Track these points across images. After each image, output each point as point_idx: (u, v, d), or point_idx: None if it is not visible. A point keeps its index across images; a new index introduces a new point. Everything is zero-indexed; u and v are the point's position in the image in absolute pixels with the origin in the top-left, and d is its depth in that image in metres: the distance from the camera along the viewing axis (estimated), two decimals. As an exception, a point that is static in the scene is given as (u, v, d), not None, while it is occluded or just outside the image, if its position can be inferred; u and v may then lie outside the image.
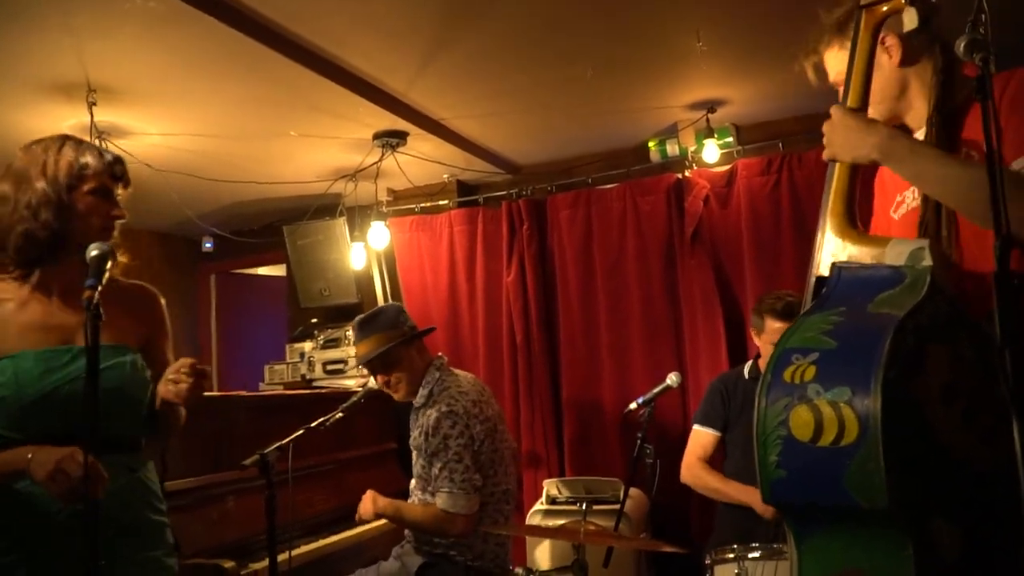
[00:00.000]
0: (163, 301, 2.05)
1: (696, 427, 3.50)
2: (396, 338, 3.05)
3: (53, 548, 1.68)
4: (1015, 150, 1.42)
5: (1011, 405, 1.05)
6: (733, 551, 2.73)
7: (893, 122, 1.67)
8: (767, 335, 3.23)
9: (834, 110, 1.58)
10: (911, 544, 1.19)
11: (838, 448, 1.18)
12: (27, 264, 1.79)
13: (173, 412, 1.95)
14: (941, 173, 1.45)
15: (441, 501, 2.87)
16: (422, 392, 3.06)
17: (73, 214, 1.79)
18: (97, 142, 3.74)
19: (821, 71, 1.83)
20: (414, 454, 3.08)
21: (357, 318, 3.20)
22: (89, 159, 1.82)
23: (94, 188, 1.81)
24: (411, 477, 3.23)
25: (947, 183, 1.44)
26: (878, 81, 1.64)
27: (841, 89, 1.64)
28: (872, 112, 1.62)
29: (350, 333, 4.81)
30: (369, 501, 3.03)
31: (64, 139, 1.86)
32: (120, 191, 1.89)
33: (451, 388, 3.03)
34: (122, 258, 1.92)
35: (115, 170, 1.87)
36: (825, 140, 1.59)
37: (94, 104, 3.44)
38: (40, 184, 1.77)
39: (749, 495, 3.13)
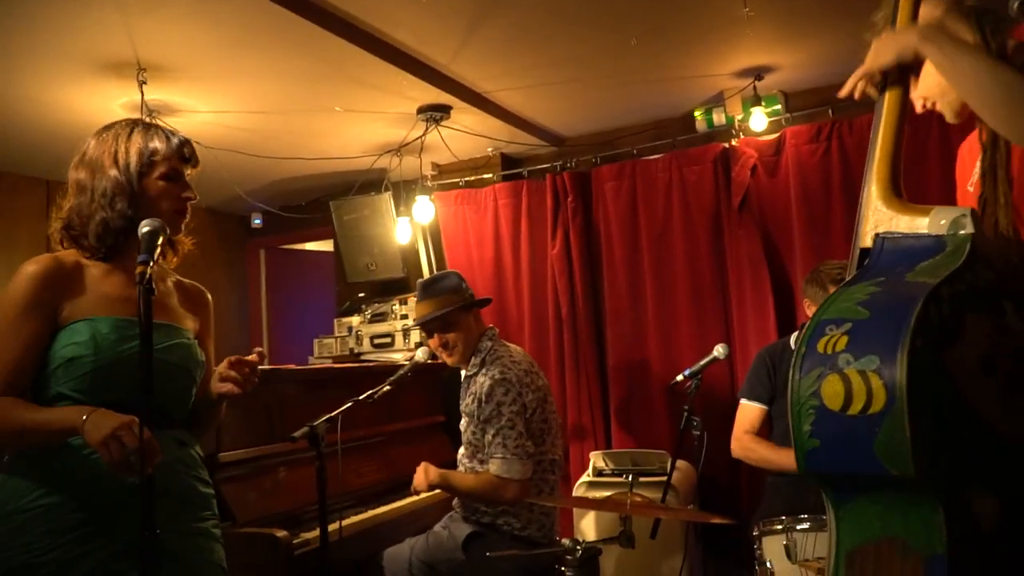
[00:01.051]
0: (211, 302, 2.12)
1: (743, 401, 3.48)
2: (457, 302, 3.16)
3: (112, 517, 1.72)
4: None
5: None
6: (781, 522, 2.71)
7: (963, 111, 1.64)
8: None
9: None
10: (943, 512, 1.19)
11: (867, 416, 1.18)
12: (107, 250, 1.85)
13: (216, 408, 2.01)
14: (973, 65, 1.41)
15: (495, 467, 2.93)
16: (474, 360, 3.15)
17: (146, 200, 1.84)
18: (148, 120, 3.81)
19: None
20: (464, 420, 3.13)
21: (421, 280, 3.32)
22: (158, 143, 1.87)
23: (164, 172, 1.87)
24: (458, 450, 3.27)
25: (977, 76, 1.41)
26: (933, 76, 1.60)
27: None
28: (941, 106, 1.62)
29: (396, 307, 4.87)
30: (422, 473, 3.10)
31: (133, 124, 1.91)
32: (189, 171, 1.94)
33: (504, 357, 3.10)
34: (187, 242, 2.02)
35: (184, 152, 1.92)
36: (871, 54, 1.57)
37: (144, 82, 3.51)
38: (113, 172, 1.83)
39: None
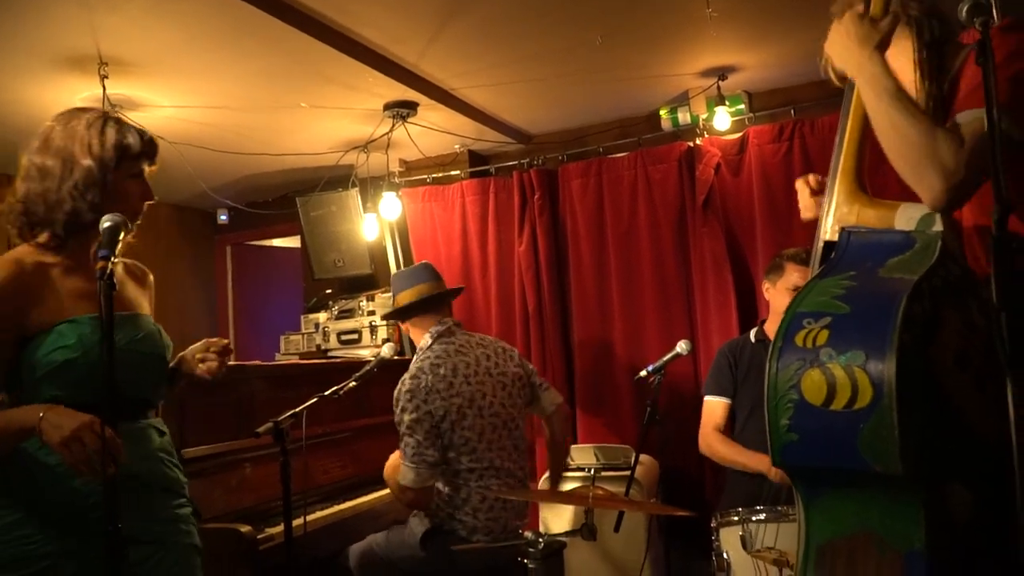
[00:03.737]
0: (153, 280, 2.13)
1: (708, 398, 3.52)
2: (412, 296, 3.17)
3: (86, 525, 1.72)
4: (967, 101, 1.42)
5: (1006, 367, 1.07)
6: (738, 514, 2.77)
7: None
8: (785, 281, 3.24)
9: (849, 13, 1.56)
10: (923, 507, 1.20)
11: (851, 412, 1.18)
12: (69, 238, 1.84)
13: (183, 385, 2.05)
14: (881, 109, 1.44)
15: (399, 473, 2.93)
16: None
17: (115, 194, 1.83)
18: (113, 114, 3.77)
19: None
20: None
21: (397, 272, 3.36)
22: (131, 140, 1.87)
23: (134, 170, 1.88)
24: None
25: (880, 120, 1.44)
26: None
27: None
28: None
29: (364, 303, 4.86)
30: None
31: (105, 117, 1.89)
32: (148, 170, 1.94)
33: (425, 362, 3.01)
34: (131, 238, 1.99)
35: (152, 150, 1.92)
36: (829, 35, 1.59)
37: (106, 77, 3.46)
38: (87, 162, 1.80)
39: (763, 463, 3.16)
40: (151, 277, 2.11)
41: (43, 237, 1.84)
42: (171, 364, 2.00)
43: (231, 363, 2.01)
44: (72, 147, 1.82)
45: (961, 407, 1.25)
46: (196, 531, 1.97)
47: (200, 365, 1.92)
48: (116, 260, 1.98)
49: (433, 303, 3.17)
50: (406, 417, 2.91)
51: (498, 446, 3.02)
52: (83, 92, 3.65)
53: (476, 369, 3.06)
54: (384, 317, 3.19)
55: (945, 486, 1.23)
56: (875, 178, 1.61)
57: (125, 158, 1.85)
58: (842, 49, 1.54)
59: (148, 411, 1.90)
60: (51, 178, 1.81)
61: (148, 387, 1.89)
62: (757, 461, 3.18)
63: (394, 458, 3.07)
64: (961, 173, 1.30)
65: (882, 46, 1.52)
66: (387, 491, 3.52)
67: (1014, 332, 1.09)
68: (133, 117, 3.87)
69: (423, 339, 3.13)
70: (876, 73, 1.47)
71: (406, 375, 3.00)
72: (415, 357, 3.09)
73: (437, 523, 3.00)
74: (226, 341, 1.94)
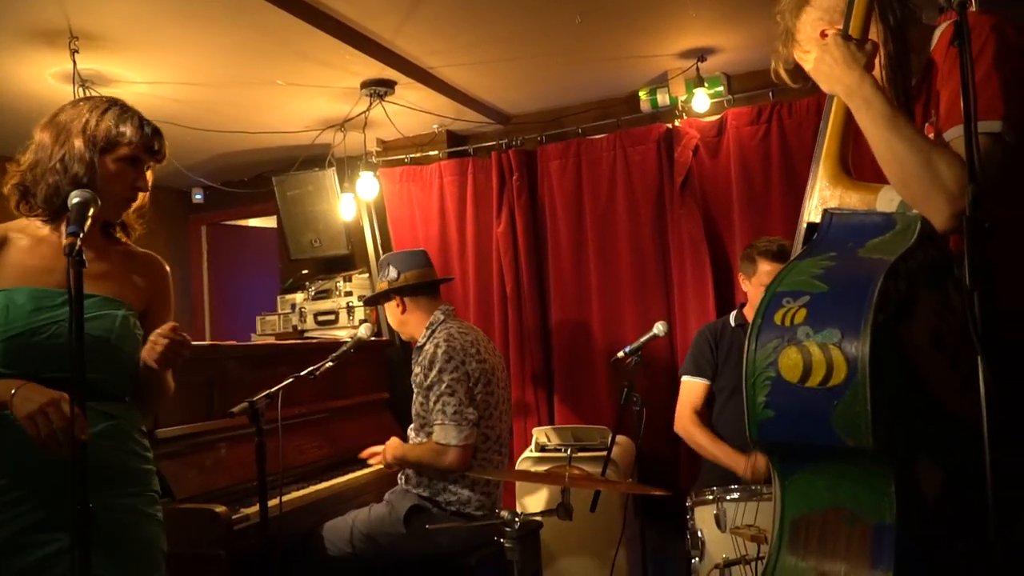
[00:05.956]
0: (169, 273, 2.14)
1: (686, 378, 3.54)
2: (420, 277, 3.34)
3: (36, 487, 1.74)
4: (949, 118, 1.43)
5: (976, 345, 1.08)
6: (712, 493, 2.80)
7: None
8: (759, 277, 3.25)
9: (832, 35, 1.57)
10: (894, 482, 1.22)
11: (826, 389, 1.20)
12: (53, 213, 1.88)
13: (156, 377, 1.97)
14: (878, 136, 1.45)
15: (435, 434, 3.00)
16: (425, 332, 3.23)
17: (100, 176, 1.86)
18: (80, 90, 3.70)
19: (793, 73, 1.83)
20: (414, 392, 3.17)
21: (396, 252, 3.52)
22: (127, 129, 1.90)
23: (124, 156, 1.90)
24: (402, 426, 3.30)
25: (879, 147, 1.44)
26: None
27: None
28: None
29: (341, 284, 4.84)
30: (383, 449, 3.23)
31: (111, 103, 1.94)
32: (151, 164, 1.98)
33: (452, 328, 3.17)
34: (139, 227, 2.08)
35: (151, 144, 1.95)
36: (814, 59, 1.59)
37: (76, 51, 3.39)
38: (77, 141, 1.86)
39: (730, 458, 3.19)
40: (164, 267, 2.12)
41: (34, 210, 1.89)
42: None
43: (205, 343, 1.99)
44: (71, 125, 1.88)
45: (935, 386, 1.26)
46: (154, 525, 1.92)
47: (148, 353, 1.86)
48: (128, 243, 2.07)
49: (437, 287, 3.41)
50: (446, 377, 3.03)
51: (505, 419, 3.26)
52: (53, 67, 3.58)
53: (487, 346, 3.28)
54: (391, 289, 3.29)
55: (916, 462, 1.25)
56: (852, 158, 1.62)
57: (116, 143, 1.88)
58: (829, 72, 1.54)
59: (94, 394, 1.82)
60: (43, 151, 1.88)
61: (91, 369, 1.77)
62: (731, 459, 3.19)
63: (394, 440, 3.23)
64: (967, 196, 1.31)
65: (868, 67, 1.53)
66: (363, 472, 3.54)
67: (985, 312, 1.10)
68: (104, 92, 3.81)
69: (433, 316, 3.27)
70: (868, 96, 1.47)
71: (430, 344, 3.14)
72: (432, 330, 3.23)
73: (431, 494, 3.04)
74: (173, 324, 1.86)
